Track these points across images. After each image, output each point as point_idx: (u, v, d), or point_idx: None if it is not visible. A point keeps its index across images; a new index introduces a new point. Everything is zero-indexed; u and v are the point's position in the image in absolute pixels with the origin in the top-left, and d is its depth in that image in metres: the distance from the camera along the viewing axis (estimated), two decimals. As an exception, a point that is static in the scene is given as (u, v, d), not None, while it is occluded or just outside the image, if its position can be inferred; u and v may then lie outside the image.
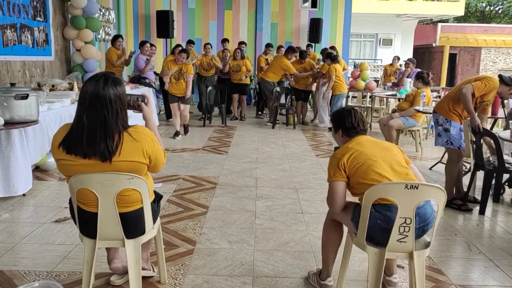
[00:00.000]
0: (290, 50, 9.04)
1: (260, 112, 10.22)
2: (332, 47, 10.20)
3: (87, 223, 2.27)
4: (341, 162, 2.41)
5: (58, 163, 2.19)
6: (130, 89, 7.03)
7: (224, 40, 10.51)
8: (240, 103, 9.78)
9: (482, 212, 4.13)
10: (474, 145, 4.37)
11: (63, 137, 2.14)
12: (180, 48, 8.00)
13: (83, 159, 2.11)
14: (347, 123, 2.58)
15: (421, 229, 2.33)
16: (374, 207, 2.27)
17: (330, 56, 8.58)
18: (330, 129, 8.69)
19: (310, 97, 9.90)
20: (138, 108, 2.38)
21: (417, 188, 2.16)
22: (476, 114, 4.16)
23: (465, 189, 4.44)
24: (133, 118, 2.49)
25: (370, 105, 9.69)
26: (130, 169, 2.16)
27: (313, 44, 11.35)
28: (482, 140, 4.28)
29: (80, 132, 2.10)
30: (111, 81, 2.13)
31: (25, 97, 3.82)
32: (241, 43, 10.42)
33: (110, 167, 2.13)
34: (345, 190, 2.44)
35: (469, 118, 4.18)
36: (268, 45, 10.52)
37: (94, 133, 2.08)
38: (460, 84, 4.32)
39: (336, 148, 2.66)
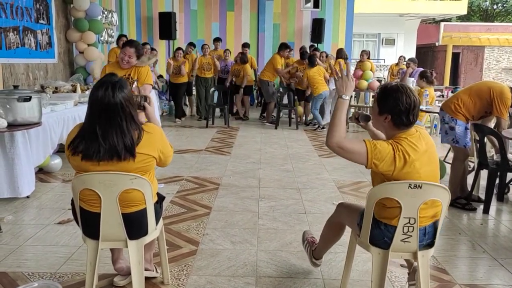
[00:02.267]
0: (283, 46, 9.23)
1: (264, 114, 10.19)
2: (341, 49, 9.94)
3: (89, 224, 2.27)
4: (395, 159, 2.08)
5: (71, 163, 2.21)
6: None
7: (216, 39, 10.35)
8: (244, 102, 9.79)
9: (486, 211, 4.11)
10: (478, 144, 4.35)
11: (76, 144, 2.15)
12: (125, 40, 5.67)
13: (98, 163, 2.14)
14: (400, 110, 2.11)
15: (428, 243, 2.31)
16: (386, 225, 2.24)
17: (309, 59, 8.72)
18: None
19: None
20: (140, 108, 2.47)
21: (420, 188, 2.14)
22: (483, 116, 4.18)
23: (469, 188, 4.42)
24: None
25: (372, 105, 9.67)
26: (142, 163, 2.20)
27: (315, 44, 11.35)
28: (486, 139, 4.26)
29: (95, 141, 2.12)
30: (118, 87, 2.16)
31: (28, 99, 3.83)
32: (244, 45, 10.15)
33: (126, 163, 2.15)
34: (356, 151, 2.11)
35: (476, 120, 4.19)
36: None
37: (110, 140, 2.11)
38: (471, 87, 4.24)
39: (363, 117, 2.40)
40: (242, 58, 9.46)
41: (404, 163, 2.11)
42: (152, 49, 8.56)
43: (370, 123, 2.52)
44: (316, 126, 8.84)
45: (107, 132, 2.12)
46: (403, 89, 2.14)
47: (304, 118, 9.39)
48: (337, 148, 2.13)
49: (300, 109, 9.45)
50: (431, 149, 2.24)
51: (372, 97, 9.78)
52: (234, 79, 9.65)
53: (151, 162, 2.26)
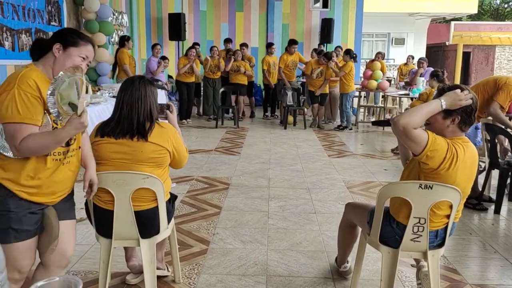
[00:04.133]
0: (291, 42, 9.30)
1: (267, 114, 10.17)
2: (349, 50, 9.85)
3: (102, 222, 2.32)
4: (445, 158, 2.07)
5: (93, 146, 2.29)
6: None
7: (227, 40, 10.35)
8: (242, 102, 9.73)
9: (497, 211, 4.09)
10: (489, 144, 4.33)
11: (98, 126, 2.36)
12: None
13: (116, 139, 2.28)
14: (472, 107, 2.11)
15: (439, 244, 2.32)
16: (398, 224, 2.26)
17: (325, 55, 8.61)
18: (339, 127, 8.71)
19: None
20: (163, 114, 2.59)
21: (431, 188, 2.15)
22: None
23: (480, 188, 4.40)
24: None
25: (382, 105, 9.64)
26: (156, 154, 2.28)
27: (324, 44, 11.34)
28: (496, 139, 4.24)
29: (118, 119, 2.31)
30: (146, 80, 2.39)
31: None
32: (242, 45, 10.09)
33: (140, 146, 2.26)
34: (417, 140, 2.06)
35: (485, 119, 4.15)
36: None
37: (130, 118, 2.28)
38: (478, 84, 4.22)
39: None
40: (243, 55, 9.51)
41: (449, 165, 2.09)
42: (164, 57, 8.58)
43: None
44: (344, 126, 8.66)
45: (128, 114, 2.29)
46: (466, 89, 2.14)
47: (317, 120, 8.99)
48: (401, 129, 2.04)
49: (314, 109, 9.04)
50: (474, 163, 2.21)
51: (382, 97, 9.75)
52: (230, 76, 9.52)
53: (164, 155, 2.32)
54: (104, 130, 2.32)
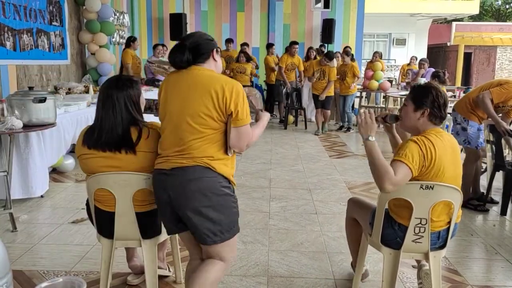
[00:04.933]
0: (292, 42, 9.32)
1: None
2: (347, 50, 9.75)
3: (104, 223, 2.31)
4: (425, 156, 2.13)
5: (79, 160, 2.27)
6: (144, 92, 7.08)
7: (228, 40, 10.33)
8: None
9: (503, 213, 4.06)
10: (490, 145, 4.32)
11: (83, 135, 2.26)
12: None
13: (103, 151, 2.20)
14: (438, 104, 2.25)
15: (441, 246, 2.32)
16: (399, 225, 2.26)
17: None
18: (342, 128, 8.68)
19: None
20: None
21: (432, 189, 2.15)
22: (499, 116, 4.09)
23: (482, 190, 4.39)
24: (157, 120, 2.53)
25: (384, 105, 9.64)
26: (149, 162, 2.20)
27: (325, 44, 11.33)
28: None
29: (98, 128, 2.21)
30: (121, 82, 2.25)
31: (43, 100, 3.89)
32: (243, 44, 10.09)
33: (129, 158, 2.19)
34: (405, 178, 2.12)
35: (490, 119, 4.12)
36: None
37: (109, 128, 2.19)
38: (482, 86, 4.21)
39: (393, 117, 2.41)
40: (248, 56, 9.45)
41: (430, 158, 2.13)
42: (163, 45, 8.58)
43: (394, 125, 2.53)
44: (348, 127, 8.61)
45: (108, 122, 2.19)
46: (436, 86, 2.32)
47: (320, 126, 8.38)
48: (394, 188, 2.11)
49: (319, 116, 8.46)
50: (455, 149, 2.27)
51: (384, 98, 9.75)
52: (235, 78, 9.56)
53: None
54: (90, 140, 2.22)
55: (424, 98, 2.27)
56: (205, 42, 2.08)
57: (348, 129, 8.59)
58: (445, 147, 2.19)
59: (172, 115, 2.02)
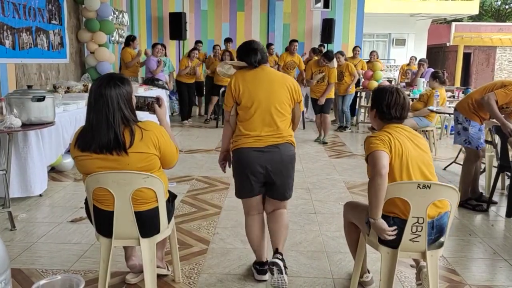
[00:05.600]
0: (292, 40, 9.38)
1: None
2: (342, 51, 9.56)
3: (102, 222, 2.31)
4: (387, 139, 2.26)
5: (75, 161, 2.27)
6: (143, 91, 7.09)
7: (227, 40, 10.15)
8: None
9: (509, 215, 4.02)
10: (490, 145, 4.33)
11: (77, 137, 2.25)
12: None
13: (96, 154, 2.19)
14: (384, 104, 2.38)
15: (437, 238, 2.33)
16: (393, 218, 2.26)
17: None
18: (340, 128, 8.69)
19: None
20: (152, 109, 2.50)
21: (429, 188, 2.16)
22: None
23: (481, 190, 4.39)
24: (151, 119, 2.53)
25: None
26: (144, 162, 2.21)
27: (325, 44, 11.34)
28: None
29: (90, 130, 2.20)
30: (113, 81, 2.22)
31: (42, 99, 3.89)
32: (227, 40, 10.01)
33: (124, 159, 2.18)
34: (388, 162, 2.21)
35: (492, 120, 4.12)
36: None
37: (101, 130, 2.17)
38: (485, 87, 4.20)
39: (372, 129, 2.56)
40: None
41: (389, 140, 2.26)
42: (161, 45, 8.59)
43: None
44: (345, 126, 8.60)
45: (99, 122, 2.18)
46: (389, 88, 2.44)
47: (322, 132, 7.57)
48: (385, 176, 2.19)
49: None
50: (417, 135, 2.40)
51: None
52: (214, 77, 9.08)
53: (153, 159, 2.26)
54: (83, 143, 2.20)
55: (374, 99, 2.46)
56: (264, 47, 2.77)
57: (345, 128, 8.61)
58: (400, 134, 2.31)
59: (261, 102, 2.59)
